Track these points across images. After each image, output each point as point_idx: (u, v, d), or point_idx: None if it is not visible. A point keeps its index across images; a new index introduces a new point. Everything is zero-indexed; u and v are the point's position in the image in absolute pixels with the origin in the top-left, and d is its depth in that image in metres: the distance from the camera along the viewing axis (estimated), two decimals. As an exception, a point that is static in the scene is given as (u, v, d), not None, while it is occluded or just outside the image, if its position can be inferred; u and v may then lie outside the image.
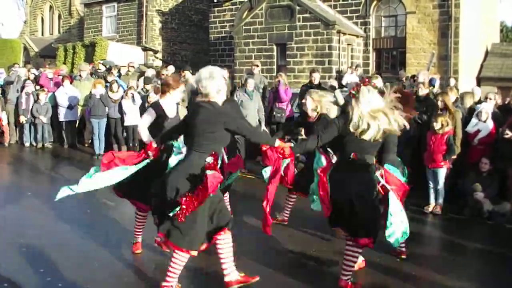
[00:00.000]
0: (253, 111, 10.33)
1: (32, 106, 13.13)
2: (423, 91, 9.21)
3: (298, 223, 6.66)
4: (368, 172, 4.57)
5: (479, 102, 9.46)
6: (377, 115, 4.42)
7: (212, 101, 4.32)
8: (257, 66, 12.68)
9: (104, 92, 12.19)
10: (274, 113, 11.23)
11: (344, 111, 4.66)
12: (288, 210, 6.73)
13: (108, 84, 12.69)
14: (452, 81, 12.12)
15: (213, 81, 4.31)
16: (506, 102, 10.01)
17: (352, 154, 4.51)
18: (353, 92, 4.53)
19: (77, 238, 6.10)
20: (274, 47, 19.38)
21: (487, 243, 6.38)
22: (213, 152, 4.27)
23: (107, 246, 5.77)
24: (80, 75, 14.15)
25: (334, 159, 5.14)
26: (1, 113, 13.40)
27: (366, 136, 4.43)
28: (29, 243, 5.84)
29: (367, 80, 4.65)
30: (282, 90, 11.13)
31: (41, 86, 13.77)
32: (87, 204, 7.55)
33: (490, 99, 8.93)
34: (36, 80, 14.20)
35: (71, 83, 13.49)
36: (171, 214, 4.13)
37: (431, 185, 7.85)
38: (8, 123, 13.66)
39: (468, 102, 9.10)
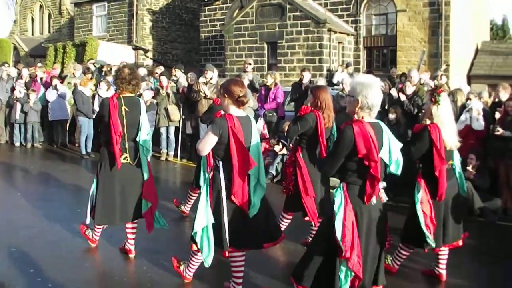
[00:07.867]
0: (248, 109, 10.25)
1: (22, 106, 13.01)
2: (410, 88, 9.38)
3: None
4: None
5: (467, 100, 9.51)
6: None
7: None
8: (250, 64, 12.61)
9: (92, 91, 12.14)
10: (266, 112, 11.20)
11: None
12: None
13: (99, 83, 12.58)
14: (443, 79, 12.15)
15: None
16: (497, 100, 10.04)
17: None
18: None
19: (68, 238, 6.06)
20: (265, 45, 19.37)
21: (479, 240, 6.39)
22: None
23: (98, 246, 5.73)
24: (73, 74, 14.07)
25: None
26: None
27: None
28: (19, 243, 5.79)
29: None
30: (271, 91, 11.19)
31: (33, 90, 13.64)
32: (78, 204, 7.50)
33: (481, 97, 9.00)
34: (27, 82, 14.01)
35: (61, 83, 13.40)
36: None
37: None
38: None
39: (460, 100, 9.13)
